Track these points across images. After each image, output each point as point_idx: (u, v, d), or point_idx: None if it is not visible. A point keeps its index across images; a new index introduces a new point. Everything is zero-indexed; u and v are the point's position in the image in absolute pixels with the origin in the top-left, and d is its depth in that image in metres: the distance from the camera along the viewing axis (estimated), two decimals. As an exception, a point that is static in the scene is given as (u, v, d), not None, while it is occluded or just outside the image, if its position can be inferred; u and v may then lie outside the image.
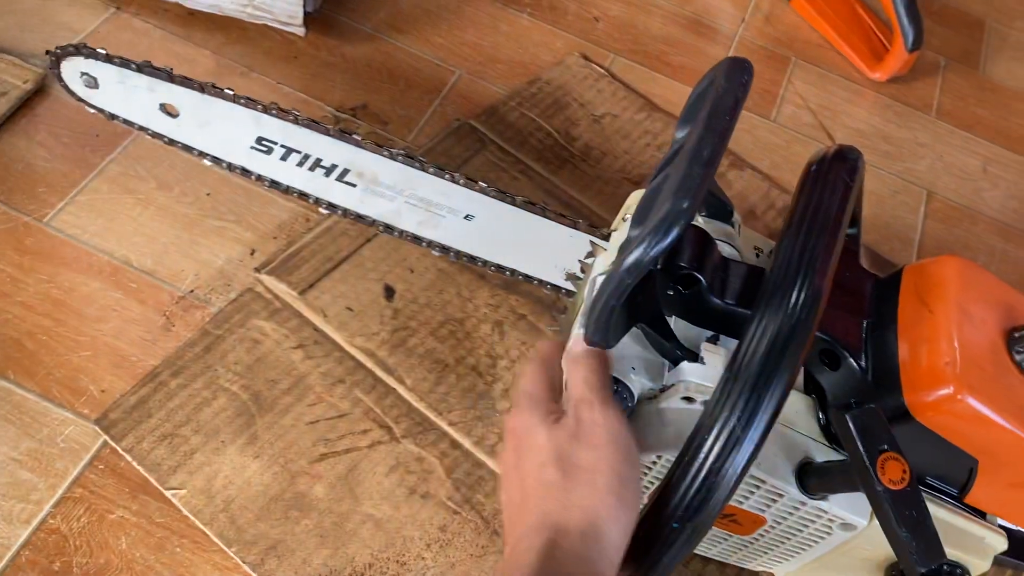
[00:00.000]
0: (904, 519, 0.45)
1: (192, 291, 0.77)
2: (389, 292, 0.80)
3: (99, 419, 0.68)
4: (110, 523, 0.65)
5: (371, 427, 0.72)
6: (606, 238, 0.71)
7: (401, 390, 0.74)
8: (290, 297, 0.77)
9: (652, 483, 0.56)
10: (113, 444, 0.67)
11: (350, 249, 0.82)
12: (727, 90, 0.47)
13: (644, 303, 0.51)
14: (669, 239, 0.41)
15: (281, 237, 0.82)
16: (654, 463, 0.54)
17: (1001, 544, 0.56)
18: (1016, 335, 0.51)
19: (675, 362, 0.54)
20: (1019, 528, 0.59)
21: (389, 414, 0.73)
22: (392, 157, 0.71)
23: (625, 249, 0.43)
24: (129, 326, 0.74)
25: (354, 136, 0.72)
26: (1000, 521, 0.59)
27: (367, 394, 0.74)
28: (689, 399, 0.51)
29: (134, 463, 0.67)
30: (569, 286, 0.74)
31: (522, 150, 0.94)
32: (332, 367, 0.74)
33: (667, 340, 0.53)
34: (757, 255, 0.63)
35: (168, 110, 0.74)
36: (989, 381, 0.49)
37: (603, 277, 0.53)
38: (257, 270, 0.79)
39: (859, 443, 0.46)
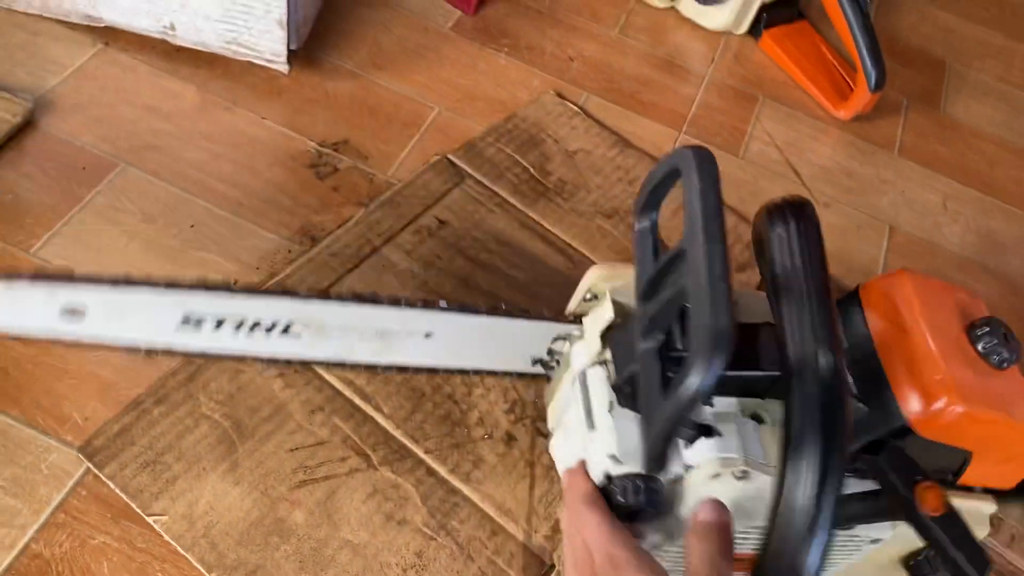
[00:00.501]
0: (953, 538, 0.50)
1: (175, 321, 0.79)
2: (368, 322, 0.82)
3: (82, 446, 0.70)
4: (92, 548, 0.66)
5: (349, 455, 0.74)
6: (573, 321, 0.68)
7: (379, 418, 0.76)
8: (271, 327, 0.79)
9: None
10: (96, 471, 0.69)
11: (331, 280, 0.84)
12: (706, 190, 0.49)
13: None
14: (721, 363, 0.43)
15: (263, 268, 0.84)
16: None
17: (992, 507, 0.62)
18: (975, 330, 0.56)
19: (691, 440, 0.56)
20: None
21: (367, 442, 0.75)
22: (341, 300, 0.63)
23: (680, 380, 0.45)
24: (113, 355, 0.75)
25: (298, 292, 0.63)
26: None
27: (345, 422, 0.76)
28: (718, 475, 0.54)
29: (116, 490, 0.68)
30: (537, 370, 0.72)
31: (498, 184, 0.97)
32: (311, 395, 0.77)
33: (684, 425, 0.56)
34: None
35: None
36: (970, 381, 0.54)
37: (595, 370, 0.59)
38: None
39: (896, 481, 0.52)
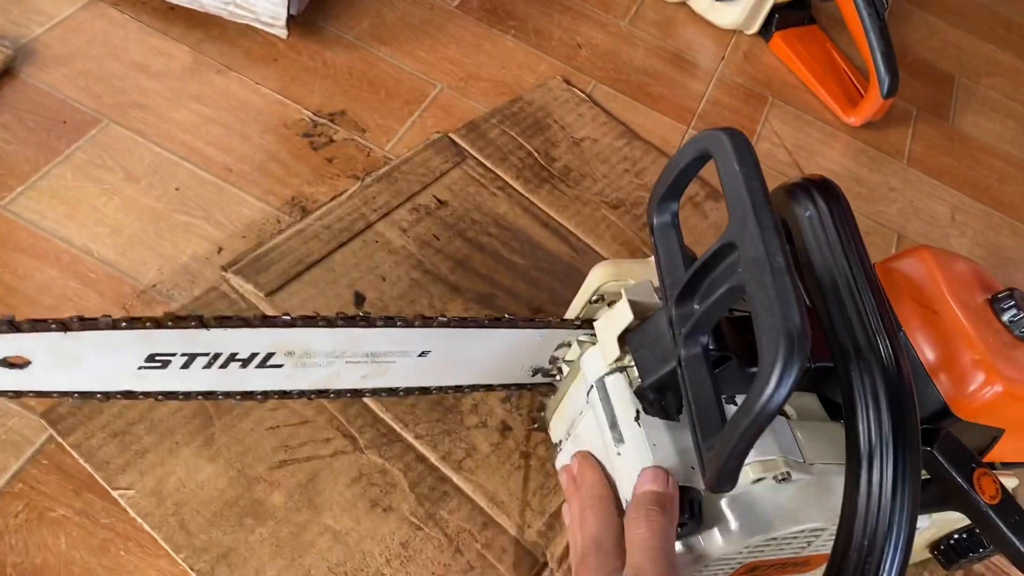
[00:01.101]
0: (1011, 526, 0.48)
1: (154, 285, 0.74)
2: (359, 299, 0.78)
3: (45, 412, 0.64)
4: (50, 521, 0.61)
5: (334, 436, 0.69)
6: (579, 326, 0.64)
7: (367, 399, 0.72)
8: (256, 298, 0.75)
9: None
10: (59, 439, 0.64)
11: (321, 253, 0.79)
12: (749, 175, 0.45)
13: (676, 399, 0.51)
14: (800, 367, 0.39)
15: (250, 236, 0.79)
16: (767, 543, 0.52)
17: (1014, 481, 0.61)
18: (1000, 302, 0.56)
19: None
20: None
21: (353, 423, 0.70)
22: (330, 325, 0.57)
23: (758, 392, 0.40)
24: (85, 317, 0.70)
25: (282, 317, 0.56)
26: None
27: (331, 402, 0.71)
28: (760, 479, 0.51)
29: (80, 460, 0.63)
30: (538, 380, 0.68)
31: (501, 167, 0.92)
32: (297, 372, 0.72)
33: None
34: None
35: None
36: (1004, 358, 0.52)
37: (614, 378, 0.56)
38: (224, 268, 0.76)
39: (952, 471, 0.49)
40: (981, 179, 1.16)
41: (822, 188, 0.53)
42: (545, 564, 0.68)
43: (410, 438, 0.71)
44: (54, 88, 0.84)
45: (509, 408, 0.75)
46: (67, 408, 0.65)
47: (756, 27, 1.21)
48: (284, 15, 0.91)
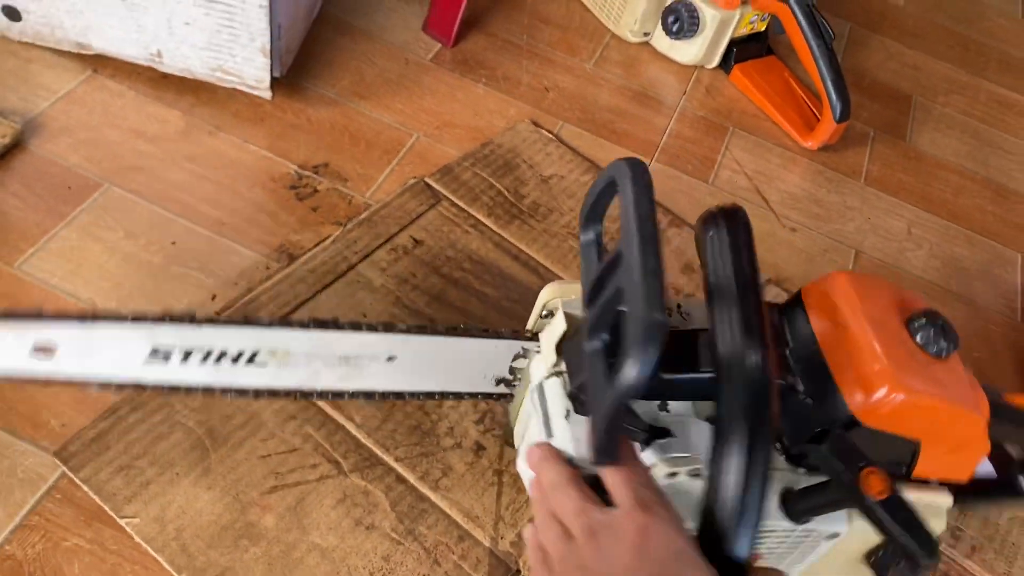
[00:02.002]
0: (899, 521, 0.52)
1: (154, 333, 0.81)
2: (342, 336, 0.84)
3: (58, 451, 0.71)
4: (64, 550, 0.67)
5: (320, 461, 0.76)
6: (532, 338, 0.71)
7: (350, 427, 0.78)
8: (248, 339, 0.82)
9: None
10: (71, 475, 0.70)
11: (307, 295, 0.86)
12: (640, 196, 0.51)
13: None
14: (655, 352, 0.45)
15: (241, 283, 0.86)
16: None
17: (948, 500, 0.64)
18: (914, 322, 0.58)
19: (646, 441, 0.59)
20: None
21: (338, 449, 0.77)
22: (305, 327, 0.66)
23: (617, 372, 0.46)
24: (92, 364, 0.78)
25: (259, 318, 0.66)
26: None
27: (317, 430, 0.77)
28: (674, 474, 0.57)
29: (90, 493, 0.70)
30: (501, 389, 0.74)
31: (474, 206, 1.00)
32: (285, 404, 0.78)
33: (636, 426, 0.58)
34: (681, 314, 0.68)
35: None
36: (910, 370, 0.56)
37: (551, 381, 0.61)
38: (217, 314, 0.83)
39: (841, 467, 0.54)
40: (937, 194, 1.22)
41: (727, 214, 0.59)
42: (518, 572, 0.74)
43: (391, 461, 0.77)
44: (59, 157, 0.92)
45: (483, 429, 0.81)
46: (77, 446, 0.72)
47: (716, 61, 1.28)
48: (267, 78, 0.99)
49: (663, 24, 1.24)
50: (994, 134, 1.36)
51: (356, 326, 0.67)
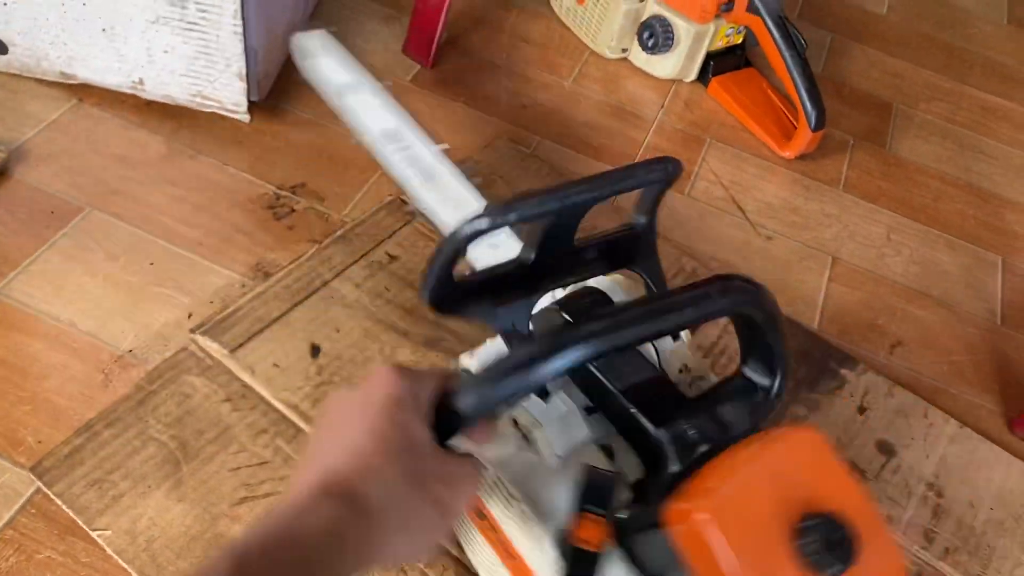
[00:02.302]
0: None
1: (131, 351, 0.83)
2: (315, 350, 0.86)
3: (34, 467, 0.73)
4: (37, 562, 0.69)
5: (290, 474, 0.77)
6: None
7: (321, 439, 0.80)
8: (221, 355, 0.84)
9: None
10: (45, 490, 0.72)
11: (280, 311, 0.88)
12: None
13: None
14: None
15: (217, 301, 0.88)
16: None
17: None
18: (803, 524, 0.48)
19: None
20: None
21: (309, 461, 0.78)
22: None
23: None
24: (69, 383, 0.80)
25: None
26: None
27: (288, 443, 0.79)
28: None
29: (64, 507, 0.72)
30: None
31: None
32: (257, 419, 0.80)
33: None
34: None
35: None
36: (746, 534, 0.48)
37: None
38: (192, 331, 0.85)
39: (578, 496, 0.53)
40: (917, 199, 1.23)
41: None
42: (484, 578, 0.75)
43: (360, 471, 0.78)
44: (43, 184, 0.95)
45: (452, 439, 0.82)
46: (52, 461, 0.74)
47: (694, 75, 1.29)
48: (245, 102, 1.02)
49: (639, 40, 1.26)
50: (977, 139, 1.36)
51: None
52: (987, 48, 1.56)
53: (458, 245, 0.56)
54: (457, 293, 0.60)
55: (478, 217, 0.56)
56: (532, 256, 0.63)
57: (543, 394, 0.61)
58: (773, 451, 0.51)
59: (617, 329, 0.49)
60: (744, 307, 0.53)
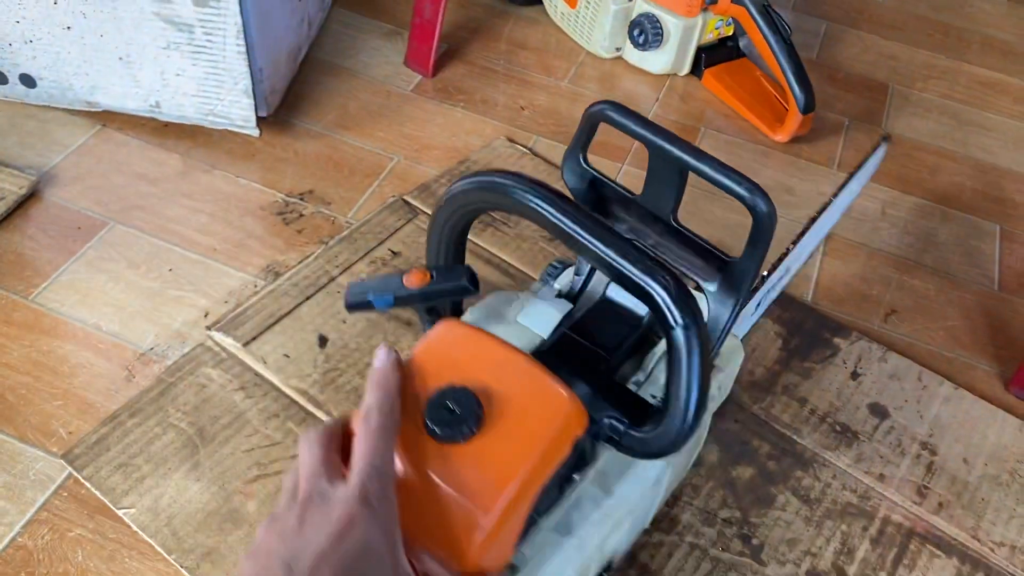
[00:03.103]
0: None
1: (152, 348, 0.90)
2: (323, 341, 0.92)
3: (65, 454, 0.80)
4: (69, 540, 0.75)
5: None
6: None
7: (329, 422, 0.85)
8: (235, 348, 0.90)
9: None
10: (76, 474, 0.79)
11: (290, 307, 0.94)
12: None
13: None
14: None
15: (231, 301, 0.95)
16: None
17: None
18: (431, 399, 0.52)
19: None
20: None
21: (317, 441, 0.83)
22: None
23: None
24: (96, 379, 0.86)
25: None
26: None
27: (298, 425, 0.84)
28: None
29: (93, 489, 0.78)
30: None
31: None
32: (269, 404, 0.86)
33: None
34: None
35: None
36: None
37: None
38: (208, 328, 0.91)
39: None
40: (913, 174, 1.25)
41: None
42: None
43: (365, 449, 0.83)
44: (70, 203, 1.02)
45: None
46: (82, 448, 0.80)
47: (687, 68, 1.34)
48: (253, 118, 1.09)
49: (630, 37, 1.31)
50: (975, 114, 1.38)
51: None
52: (985, 25, 1.58)
53: (592, 120, 0.67)
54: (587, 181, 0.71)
55: (605, 102, 0.67)
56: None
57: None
58: (419, 354, 0.57)
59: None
60: None
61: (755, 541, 0.82)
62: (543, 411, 0.54)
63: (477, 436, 0.52)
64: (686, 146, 0.63)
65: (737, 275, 0.61)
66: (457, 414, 0.51)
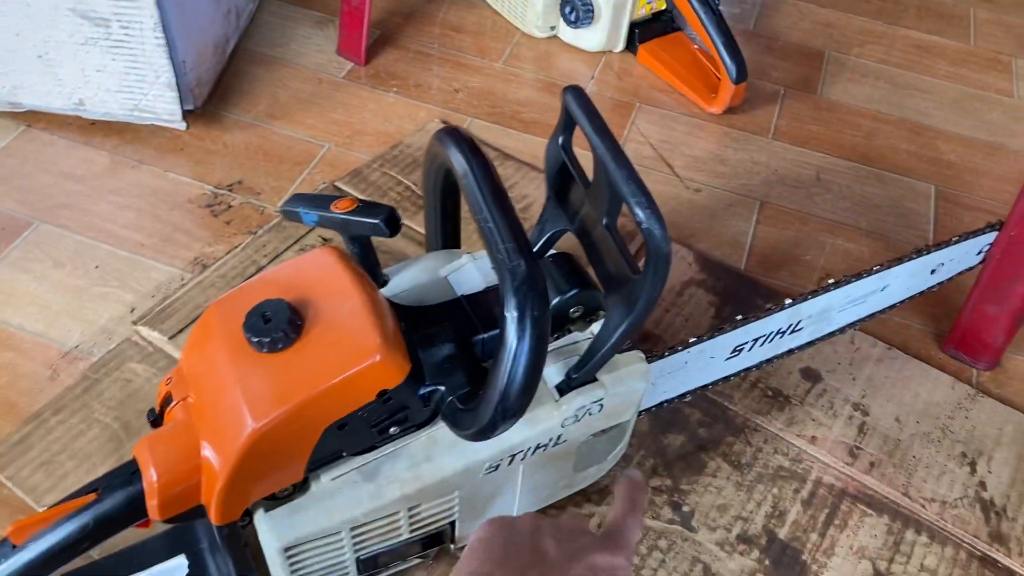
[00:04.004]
0: None
1: (77, 346, 0.89)
2: (250, 330, 0.91)
3: (-14, 455, 0.79)
4: (-9, 541, 0.75)
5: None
6: None
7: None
8: (161, 342, 0.89)
9: None
10: (-2, 475, 0.78)
11: (216, 298, 0.93)
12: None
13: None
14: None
15: (158, 295, 0.94)
16: None
17: None
18: (251, 309, 0.56)
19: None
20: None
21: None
22: None
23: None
24: (19, 379, 0.86)
25: None
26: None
27: (225, 415, 0.84)
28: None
29: (15, 489, 0.77)
30: None
31: (381, 202, 1.06)
32: (195, 396, 0.85)
33: None
34: None
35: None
36: (224, 324, 0.58)
37: None
38: (135, 323, 0.91)
39: None
40: (848, 139, 1.25)
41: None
42: None
43: (292, 435, 0.83)
44: (-5, 204, 1.01)
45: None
46: (3, 448, 0.80)
47: (621, 44, 1.33)
48: (179, 111, 1.08)
49: (562, 15, 1.31)
50: (911, 77, 1.38)
51: None
52: (922, -11, 1.58)
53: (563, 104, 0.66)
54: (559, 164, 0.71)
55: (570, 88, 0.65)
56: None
57: None
58: (284, 266, 0.62)
59: None
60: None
61: (685, 508, 0.82)
62: (347, 350, 0.56)
63: (284, 352, 0.56)
64: (609, 149, 0.62)
65: (635, 292, 0.60)
66: (268, 325, 0.55)
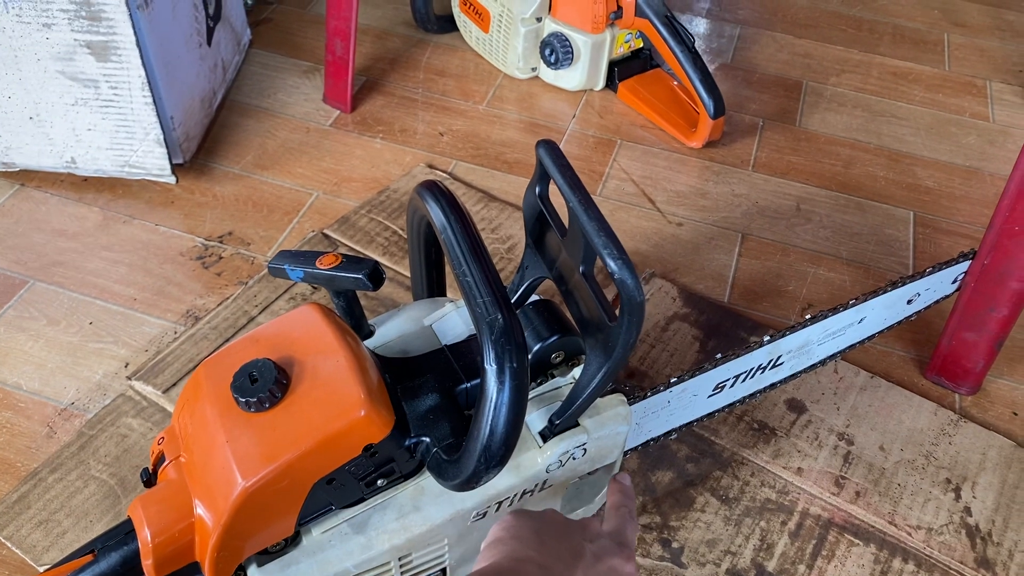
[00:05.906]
0: None
1: (72, 403, 0.90)
2: (243, 381, 0.93)
3: (-15, 516, 0.81)
4: (-9, 601, 0.76)
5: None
6: None
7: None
8: (156, 396, 0.91)
9: None
10: (-4, 535, 0.79)
11: (209, 350, 0.95)
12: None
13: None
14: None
15: (151, 349, 0.96)
16: None
17: None
18: (239, 369, 0.58)
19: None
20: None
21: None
22: None
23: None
24: (16, 438, 0.87)
25: None
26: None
27: (219, 467, 0.85)
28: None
29: (14, 548, 0.79)
30: None
31: (369, 247, 1.08)
32: (189, 449, 0.87)
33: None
34: None
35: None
36: (213, 384, 0.59)
37: None
38: (129, 378, 0.92)
39: None
40: (827, 168, 1.27)
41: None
42: None
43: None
44: (-11, 264, 1.03)
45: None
46: (2, 508, 0.81)
47: (601, 83, 1.36)
48: (168, 166, 1.10)
49: (542, 57, 1.33)
50: (887, 104, 1.41)
51: None
52: (895, 16, 1.62)
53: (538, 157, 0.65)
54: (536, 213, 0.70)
55: (543, 143, 0.65)
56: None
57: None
58: (269, 325, 0.63)
59: None
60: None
61: (675, 544, 0.83)
62: (332, 407, 0.58)
63: (272, 411, 0.57)
64: (581, 202, 0.63)
65: (611, 339, 0.62)
66: (255, 385, 0.57)
